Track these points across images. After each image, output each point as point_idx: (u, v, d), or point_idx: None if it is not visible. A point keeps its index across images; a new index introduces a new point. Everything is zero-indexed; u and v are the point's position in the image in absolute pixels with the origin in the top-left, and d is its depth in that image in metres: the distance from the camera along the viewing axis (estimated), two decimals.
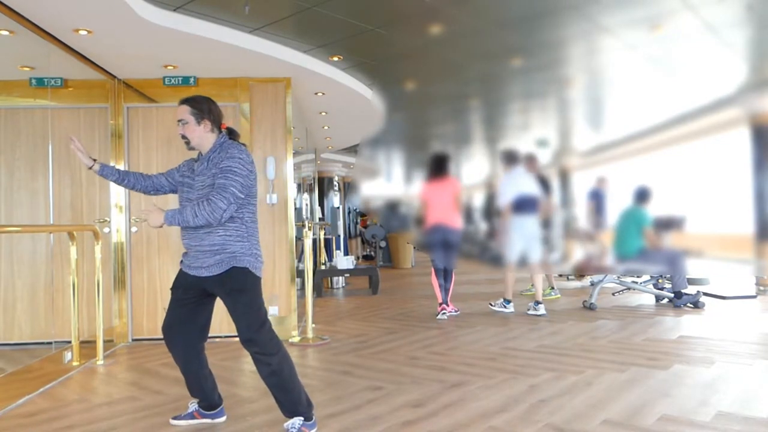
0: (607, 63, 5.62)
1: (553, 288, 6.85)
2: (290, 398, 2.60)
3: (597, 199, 6.76)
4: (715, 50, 5.23)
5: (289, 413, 2.61)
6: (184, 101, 2.68)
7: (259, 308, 2.61)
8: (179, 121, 2.67)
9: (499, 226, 5.90)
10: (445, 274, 5.84)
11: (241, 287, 2.58)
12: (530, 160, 6.07)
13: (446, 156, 5.93)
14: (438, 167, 5.85)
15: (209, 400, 2.82)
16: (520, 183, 5.72)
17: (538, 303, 5.75)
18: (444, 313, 5.69)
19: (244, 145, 2.71)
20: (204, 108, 2.66)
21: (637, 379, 3.39)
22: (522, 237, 5.66)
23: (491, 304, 6.06)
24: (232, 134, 2.76)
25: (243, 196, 2.57)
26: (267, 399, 3.01)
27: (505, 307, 5.94)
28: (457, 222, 5.76)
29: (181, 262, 2.73)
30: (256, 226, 2.71)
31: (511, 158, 5.84)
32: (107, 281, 4.78)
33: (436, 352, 4.22)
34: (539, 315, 5.67)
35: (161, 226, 2.56)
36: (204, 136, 2.67)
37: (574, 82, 6.36)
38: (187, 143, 2.69)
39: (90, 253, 4.30)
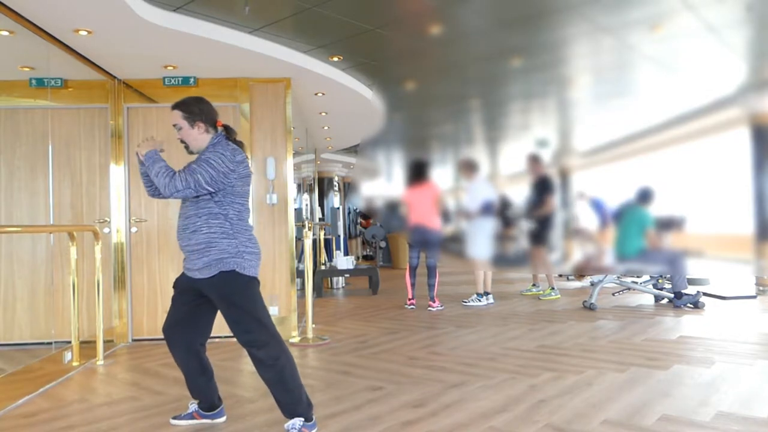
0: (607, 63, 5.62)
1: (553, 288, 6.86)
2: (291, 398, 2.59)
3: (598, 208, 6.78)
4: (715, 50, 5.22)
5: (289, 414, 2.60)
6: (175, 106, 2.67)
7: (254, 310, 2.57)
8: (174, 126, 2.66)
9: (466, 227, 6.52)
10: (429, 272, 6.30)
11: (230, 292, 2.56)
12: (534, 161, 6.50)
13: (426, 162, 6.43)
14: (418, 172, 6.32)
15: (209, 402, 2.82)
16: (484, 189, 6.31)
17: (480, 295, 6.39)
18: (413, 306, 6.31)
19: (241, 143, 2.70)
20: (195, 110, 2.64)
21: (637, 379, 3.39)
22: (485, 237, 6.24)
23: (464, 302, 6.45)
24: (228, 131, 2.73)
25: (211, 189, 2.53)
26: (267, 399, 3.01)
27: (479, 300, 6.37)
28: (436, 223, 6.21)
29: (184, 262, 2.73)
30: (245, 224, 2.65)
31: (472, 167, 6.41)
32: (107, 281, 4.78)
33: (436, 352, 4.22)
34: (483, 305, 6.30)
35: (141, 157, 2.63)
36: (200, 138, 2.66)
37: (575, 82, 6.36)
38: (186, 148, 2.69)
39: (90, 253, 4.30)
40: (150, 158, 2.59)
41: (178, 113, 2.65)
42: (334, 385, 3.44)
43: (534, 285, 7.26)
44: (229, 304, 2.57)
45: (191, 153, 2.71)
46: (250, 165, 2.70)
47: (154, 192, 2.74)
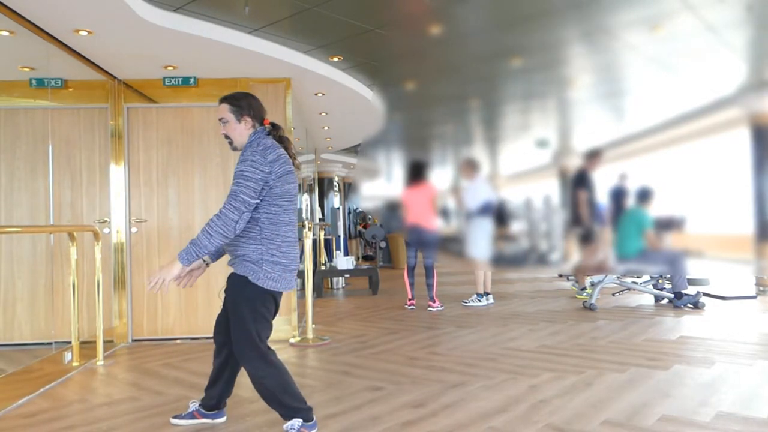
0: (608, 63, 5.62)
1: (583, 288, 6.73)
2: (283, 410, 2.55)
3: (617, 197, 6.65)
4: (715, 50, 5.22)
5: (287, 418, 2.58)
6: (223, 99, 2.58)
7: (251, 322, 2.46)
8: (220, 120, 2.57)
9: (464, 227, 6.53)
10: (427, 272, 6.32)
11: (234, 296, 2.50)
12: (594, 156, 6.25)
13: (424, 163, 6.45)
14: (416, 173, 6.33)
15: (217, 402, 2.81)
16: (484, 190, 6.30)
17: (480, 295, 6.40)
18: (412, 306, 6.32)
19: (287, 140, 2.60)
20: (243, 104, 2.56)
21: (637, 379, 3.39)
22: (485, 237, 6.26)
23: (464, 302, 6.46)
24: (274, 129, 2.63)
25: (257, 201, 2.42)
26: None
27: (479, 301, 6.38)
28: (432, 223, 6.24)
29: None
30: (279, 228, 2.48)
31: (473, 167, 6.39)
32: (107, 281, 4.78)
33: (436, 352, 4.22)
34: (483, 305, 6.32)
35: (182, 266, 2.41)
36: (245, 134, 2.56)
37: (575, 82, 6.36)
38: (230, 143, 2.59)
39: (90, 253, 4.29)
40: (187, 255, 2.40)
41: (225, 106, 2.56)
42: (334, 386, 3.43)
43: (583, 288, 6.81)
44: (231, 307, 2.52)
45: (235, 149, 2.60)
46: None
47: (226, 237, 2.44)
